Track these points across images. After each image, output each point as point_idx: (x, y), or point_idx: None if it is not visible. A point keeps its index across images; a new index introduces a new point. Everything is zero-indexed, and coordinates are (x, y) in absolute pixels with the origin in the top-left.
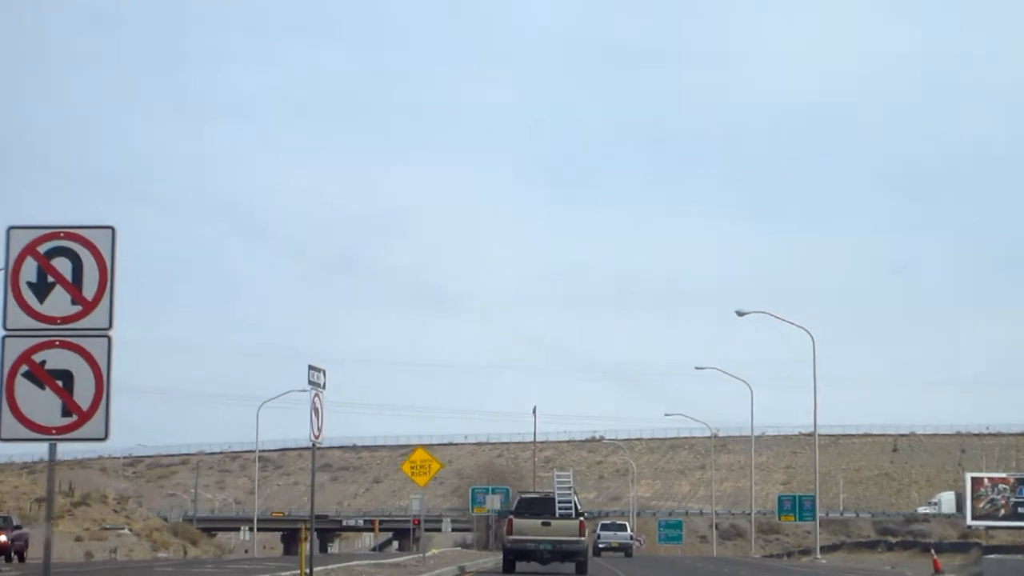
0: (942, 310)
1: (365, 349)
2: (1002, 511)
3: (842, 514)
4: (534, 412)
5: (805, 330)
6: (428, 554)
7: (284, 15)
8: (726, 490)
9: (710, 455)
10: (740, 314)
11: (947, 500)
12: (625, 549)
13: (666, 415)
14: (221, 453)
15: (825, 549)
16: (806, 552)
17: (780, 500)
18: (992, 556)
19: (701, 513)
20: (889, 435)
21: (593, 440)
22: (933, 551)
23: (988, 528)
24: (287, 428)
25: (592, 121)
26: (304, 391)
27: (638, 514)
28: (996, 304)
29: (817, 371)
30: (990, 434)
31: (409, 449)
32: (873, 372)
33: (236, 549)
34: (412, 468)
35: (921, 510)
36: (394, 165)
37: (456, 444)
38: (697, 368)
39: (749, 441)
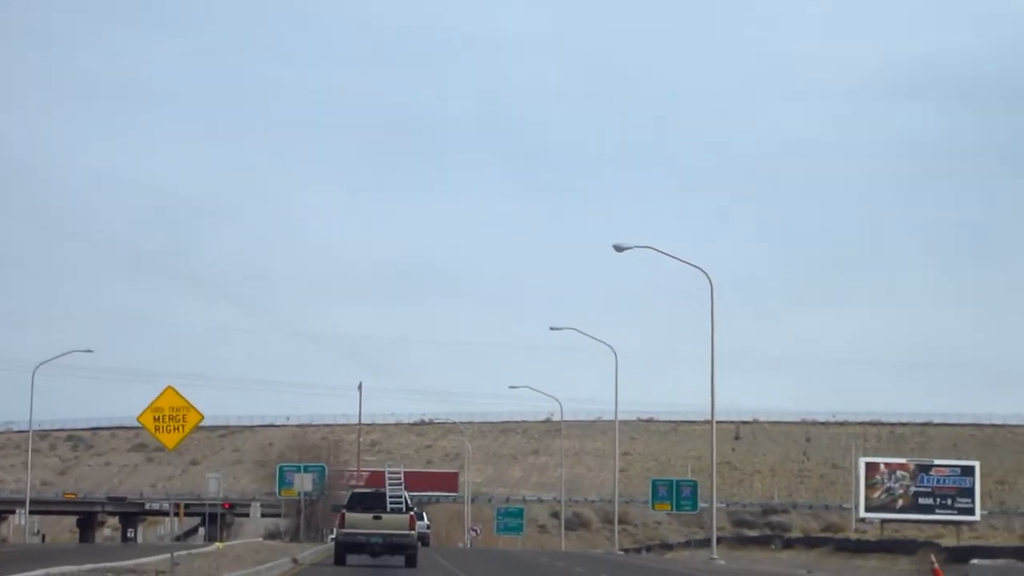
0: (790, 297)
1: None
2: (900, 502)
3: None
4: (359, 388)
5: (608, 345)
6: (207, 548)
7: None
8: (560, 476)
9: (544, 439)
10: (555, 329)
11: None
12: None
13: (510, 387)
14: (28, 431)
15: (691, 545)
16: (667, 547)
17: (654, 485)
18: (979, 561)
19: (540, 500)
20: (731, 422)
21: (422, 423)
22: (933, 558)
23: (884, 521)
24: (98, 405)
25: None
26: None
27: (472, 500)
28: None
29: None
30: (836, 423)
31: (227, 431)
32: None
33: (16, 536)
34: (157, 420)
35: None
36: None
37: (277, 426)
38: (511, 387)
39: (585, 427)
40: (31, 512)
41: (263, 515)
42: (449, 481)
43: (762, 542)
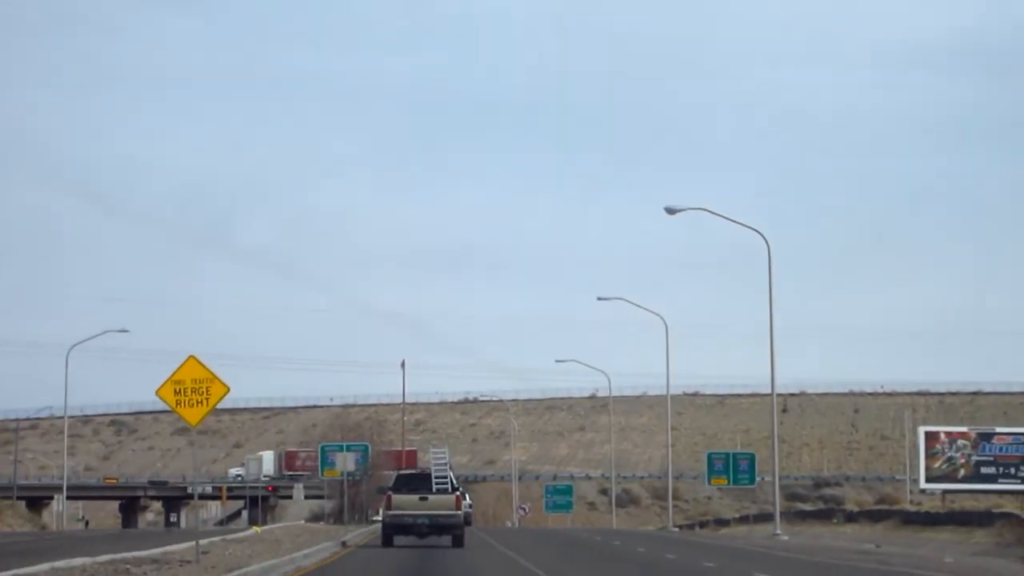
0: (833, 268)
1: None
2: (962, 472)
3: None
4: (403, 366)
5: (658, 315)
6: (244, 533)
7: None
8: (606, 453)
9: (590, 416)
10: (602, 299)
11: None
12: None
13: (557, 361)
14: (72, 417)
15: (749, 520)
16: (722, 522)
17: (710, 459)
18: None
19: (588, 477)
20: (779, 394)
21: (467, 401)
22: None
23: (946, 492)
24: (139, 388)
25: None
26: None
27: (519, 478)
28: (887, 263)
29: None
30: (884, 393)
31: (271, 413)
32: (760, 330)
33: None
34: (178, 394)
35: None
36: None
37: (321, 407)
38: (558, 361)
39: (631, 402)
40: (73, 498)
41: (306, 496)
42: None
43: (822, 516)
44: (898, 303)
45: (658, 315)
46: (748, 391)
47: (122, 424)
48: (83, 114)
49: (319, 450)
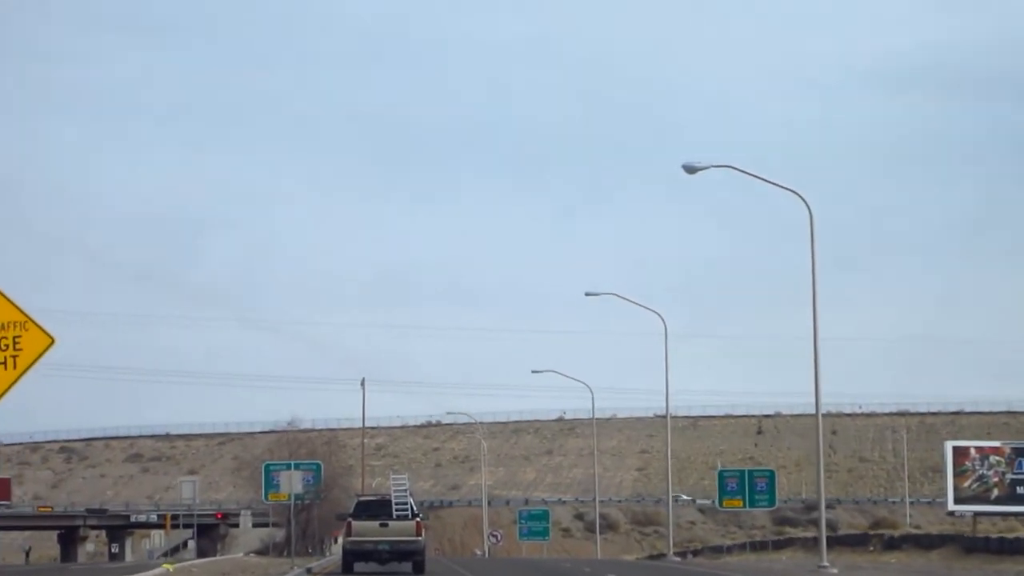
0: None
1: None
2: (995, 491)
3: (715, 502)
4: (362, 384)
5: (656, 313)
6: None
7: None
8: (576, 477)
9: (557, 439)
10: (590, 295)
11: None
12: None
13: (533, 372)
14: (20, 444)
15: (746, 548)
16: (719, 549)
17: (721, 478)
18: None
19: (562, 502)
20: (753, 416)
21: (430, 425)
22: None
23: (977, 515)
24: (94, 414)
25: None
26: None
27: (489, 503)
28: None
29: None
30: (863, 414)
31: (227, 438)
32: (732, 351)
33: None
34: None
35: None
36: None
37: (279, 431)
38: (534, 372)
39: (600, 424)
40: (6, 528)
41: (254, 524)
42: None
43: (852, 543)
44: (871, 322)
45: (656, 312)
46: (721, 412)
47: (72, 451)
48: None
49: (263, 469)
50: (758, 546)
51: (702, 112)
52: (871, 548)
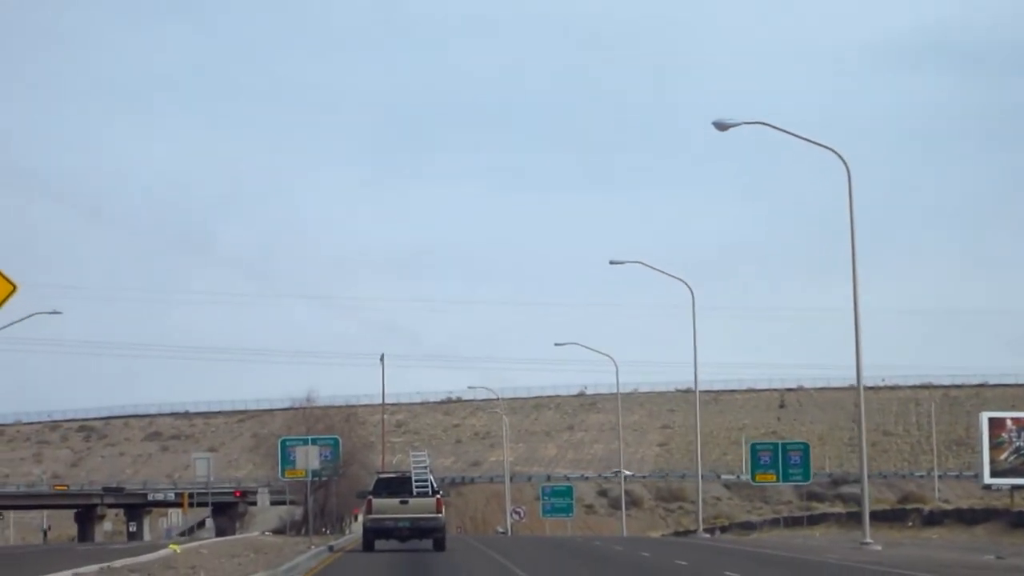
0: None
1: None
2: None
3: (740, 477)
4: (382, 360)
5: (683, 281)
6: (153, 556)
7: None
8: (597, 452)
9: (578, 415)
10: (615, 263)
11: None
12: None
13: (556, 344)
14: (39, 423)
15: (779, 524)
16: (749, 526)
17: (754, 451)
18: None
19: (584, 477)
20: (775, 389)
21: (450, 401)
22: None
23: (1015, 488)
24: (113, 393)
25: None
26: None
27: (511, 480)
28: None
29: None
30: (887, 387)
31: (247, 416)
32: (754, 324)
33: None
34: None
35: None
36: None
37: (298, 408)
38: (557, 344)
39: (622, 399)
40: (24, 507)
41: (272, 503)
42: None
43: (890, 518)
44: (896, 292)
45: (682, 280)
46: (743, 387)
47: (91, 430)
48: (58, 121)
49: (279, 445)
50: (790, 522)
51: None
52: (910, 524)
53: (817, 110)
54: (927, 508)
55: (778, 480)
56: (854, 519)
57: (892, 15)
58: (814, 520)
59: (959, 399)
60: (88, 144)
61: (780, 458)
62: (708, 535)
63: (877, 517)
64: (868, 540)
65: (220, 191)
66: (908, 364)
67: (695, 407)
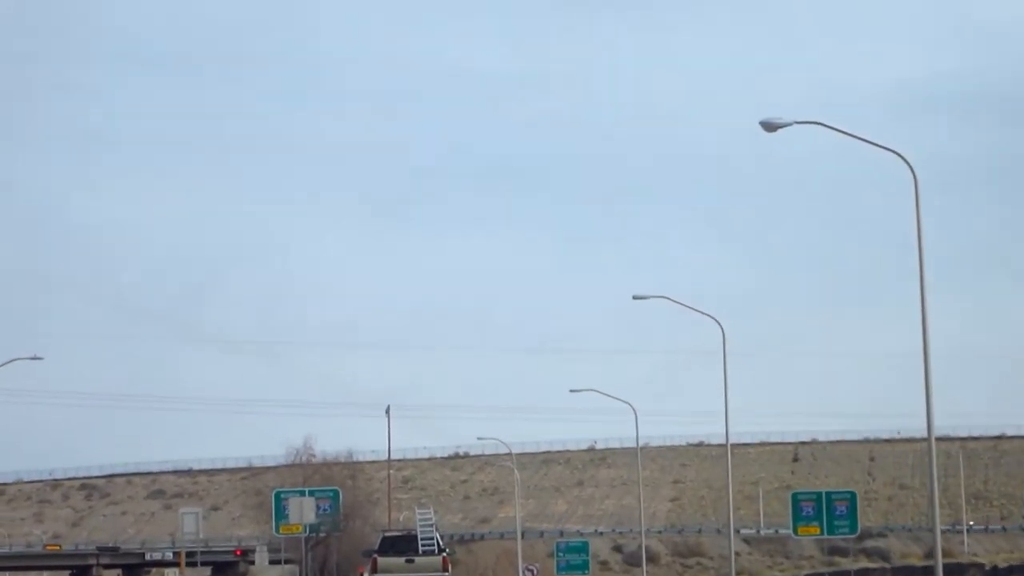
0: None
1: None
2: None
3: (760, 531)
4: (387, 412)
5: (714, 319)
6: None
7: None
8: (608, 508)
9: (588, 470)
10: (638, 298)
11: None
12: None
13: (571, 391)
14: (40, 482)
15: None
16: None
17: (795, 501)
18: None
19: (598, 533)
20: (789, 443)
21: (457, 456)
22: None
23: None
24: (114, 450)
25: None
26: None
27: (522, 536)
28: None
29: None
30: (902, 439)
31: (251, 472)
32: (766, 375)
33: None
34: None
35: None
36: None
37: (302, 464)
38: (572, 391)
39: (631, 454)
40: (15, 568)
41: (271, 562)
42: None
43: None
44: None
45: (713, 318)
46: (756, 440)
47: (93, 488)
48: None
49: (272, 498)
50: None
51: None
52: None
53: None
54: (988, 564)
55: (822, 532)
56: (902, 575)
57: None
58: None
59: (976, 451)
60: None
61: (825, 508)
62: None
63: (929, 572)
64: None
65: (217, 252)
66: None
67: (714, 459)
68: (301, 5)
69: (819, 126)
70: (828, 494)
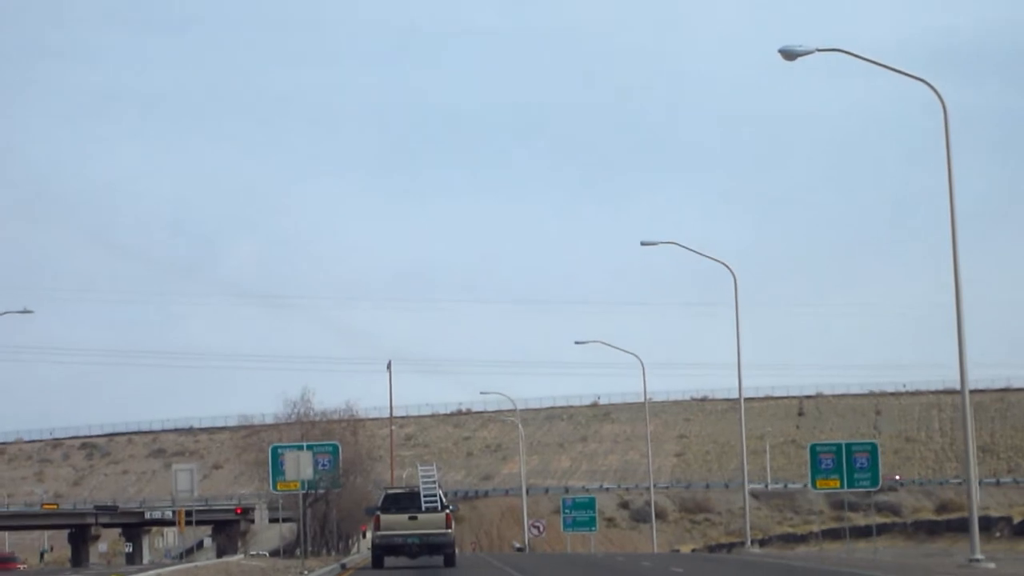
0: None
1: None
2: None
3: (767, 486)
4: (389, 368)
5: (725, 264)
6: None
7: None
8: (612, 464)
9: (591, 425)
10: (646, 244)
11: None
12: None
13: (576, 343)
14: (41, 441)
15: (818, 537)
16: (790, 538)
17: (814, 454)
18: None
19: (604, 488)
20: (793, 397)
21: (460, 413)
22: None
23: None
24: (115, 409)
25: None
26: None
27: (527, 492)
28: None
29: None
30: (907, 393)
31: (251, 430)
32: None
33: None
34: None
35: None
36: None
37: (304, 422)
38: (577, 343)
39: (635, 409)
40: (14, 528)
41: (271, 520)
42: None
43: (962, 528)
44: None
45: (723, 263)
46: (761, 395)
47: (94, 447)
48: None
49: (269, 453)
50: (830, 534)
51: None
52: (998, 535)
53: None
54: (1015, 518)
55: (842, 485)
56: (922, 530)
57: None
58: (859, 532)
59: (983, 403)
60: (90, 161)
61: (845, 461)
62: (758, 549)
63: (948, 528)
64: (979, 556)
65: (224, 210)
66: (931, 363)
67: (719, 414)
68: None
69: (842, 53)
70: (848, 445)
